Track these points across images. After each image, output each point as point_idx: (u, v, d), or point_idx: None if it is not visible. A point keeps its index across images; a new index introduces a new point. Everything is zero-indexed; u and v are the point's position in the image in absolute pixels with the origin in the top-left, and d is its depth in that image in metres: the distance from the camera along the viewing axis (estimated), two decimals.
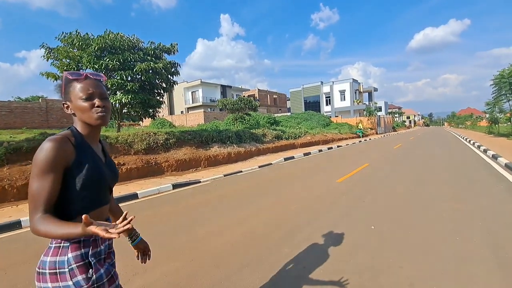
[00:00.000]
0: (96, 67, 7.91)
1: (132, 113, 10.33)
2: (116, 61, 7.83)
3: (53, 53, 8.11)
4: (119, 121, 9.94)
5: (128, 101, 8.33)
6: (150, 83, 9.03)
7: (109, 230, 0.78)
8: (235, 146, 11.66)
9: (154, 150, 8.98)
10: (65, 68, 8.14)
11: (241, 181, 7.39)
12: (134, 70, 8.12)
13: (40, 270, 0.96)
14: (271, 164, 10.34)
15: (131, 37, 8.75)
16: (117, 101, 8.32)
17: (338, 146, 17.01)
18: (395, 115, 62.36)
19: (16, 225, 4.37)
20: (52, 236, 0.88)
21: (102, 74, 1.11)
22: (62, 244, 0.97)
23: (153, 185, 6.76)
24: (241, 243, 3.22)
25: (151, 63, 8.35)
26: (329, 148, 15.79)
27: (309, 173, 8.10)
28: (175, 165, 8.85)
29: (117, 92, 8.48)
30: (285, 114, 34.99)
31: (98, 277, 0.99)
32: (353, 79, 40.71)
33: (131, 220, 0.81)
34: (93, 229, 0.77)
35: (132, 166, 7.74)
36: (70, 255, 0.96)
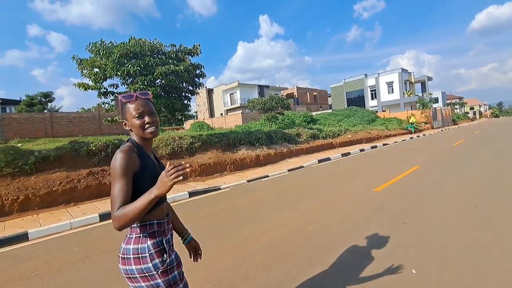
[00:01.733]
0: (119, 73, 7.95)
1: (162, 117, 10.34)
2: (136, 66, 7.75)
3: (82, 64, 8.37)
4: None
5: None
6: (173, 87, 8.84)
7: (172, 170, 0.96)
8: (264, 148, 10.97)
9: (178, 155, 8.77)
10: (93, 77, 8.35)
11: (261, 188, 6.67)
12: (155, 74, 7.97)
13: (125, 256, 1.17)
14: (302, 167, 9.40)
15: (153, 41, 8.66)
16: None
17: (384, 145, 15.15)
18: (455, 107, 55.04)
19: (23, 237, 4.32)
20: (129, 214, 1.01)
21: (149, 92, 1.26)
22: (141, 235, 1.17)
23: (170, 192, 6.43)
24: (226, 279, 2.52)
25: (172, 66, 8.11)
26: (372, 147, 14.11)
27: (342, 178, 7.01)
28: (199, 170, 8.50)
29: None
30: (325, 111, 33.12)
31: (171, 261, 1.20)
32: (402, 68, 36.73)
33: (186, 167, 0.97)
34: (163, 178, 0.97)
35: None
36: (149, 242, 1.16)
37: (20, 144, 10.00)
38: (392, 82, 36.80)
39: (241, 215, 4.49)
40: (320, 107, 45.27)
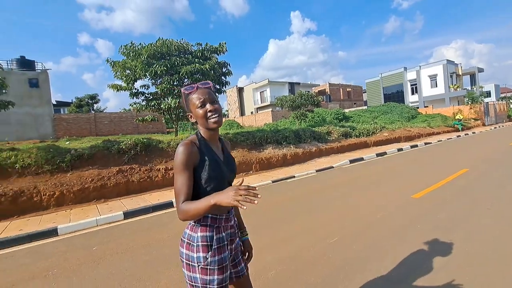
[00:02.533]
0: (147, 74, 8.14)
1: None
2: (163, 66, 7.86)
3: (115, 66, 8.72)
4: (176, 126, 10.16)
5: (176, 105, 8.28)
6: None
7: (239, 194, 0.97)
8: (292, 147, 10.58)
9: None
10: (124, 78, 8.65)
11: (286, 190, 6.34)
12: (181, 73, 8.01)
13: (183, 239, 1.23)
14: (332, 167, 8.85)
15: (180, 41, 8.74)
16: (166, 106, 8.40)
17: (425, 144, 13.83)
18: (511, 101, 48.89)
19: (53, 232, 4.52)
20: (190, 212, 1.06)
21: (209, 82, 1.26)
22: (195, 224, 1.21)
23: None
24: None
25: (197, 64, 8.10)
26: (412, 147, 12.94)
27: (375, 181, 6.40)
28: None
29: (168, 97, 8.57)
30: (360, 108, 31.42)
31: (211, 262, 1.16)
32: (447, 60, 33.42)
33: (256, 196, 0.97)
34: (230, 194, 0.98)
35: None
36: (198, 234, 1.18)
37: (68, 142, 10.84)
38: (436, 75, 33.73)
39: (258, 220, 4.23)
40: (354, 103, 43.16)
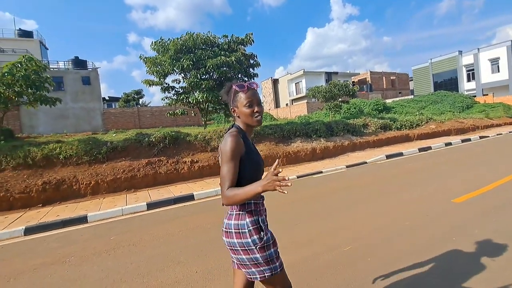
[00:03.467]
0: (175, 69, 8.30)
1: (218, 110, 10.55)
2: (189, 60, 7.93)
3: (147, 62, 9.06)
4: (205, 119, 10.31)
5: (204, 99, 8.34)
6: (226, 79, 8.79)
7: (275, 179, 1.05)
8: (322, 140, 10.05)
9: None
10: (155, 73, 8.95)
11: (309, 186, 6.01)
12: (207, 67, 8.02)
13: (228, 230, 1.30)
14: (365, 163, 8.21)
15: (206, 34, 8.73)
16: (194, 100, 8.51)
17: (481, 137, 12.13)
18: None
19: (84, 219, 4.86)
20: (238, 197, 1.14)
21: (256, 83, 1.37)
22: (240, 212, 1.29)
23: (215, 186, 6.40)
24: None
25: (223, 57, 8.02)
26: (464, 141, 11.44)
27: (412, 180, 5.73)
28: None
29: (196, 91, 8.67)
30: (406, 97, 28.82)
31: (267, 239, 1.28)
32: None
33: (287, 183, 1.04)
34: (269, 179, 1.06)
35: (204, 164, 7.73)
36: (247, 220, 1.27)
37: (115, 134, 11.75)
38: (498, 58, 29.32)
39: (271, 220, 4.02)
40: (400, 93, 39.80)
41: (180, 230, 3.88)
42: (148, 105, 42.32)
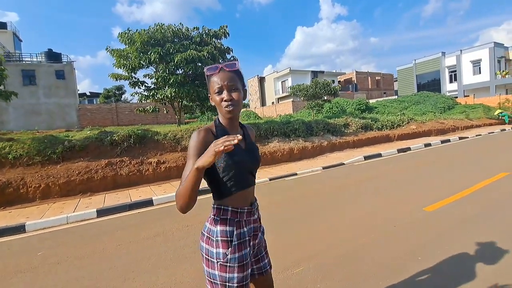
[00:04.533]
0: (142, 62, 7.71)
1: (194, 107, 10.03)
2: (156, 54, 7.37)
3: (113, 54, 8.41)
4: (179, 117, 9.76)
5: (173, 95, 7.80)
6: (197, 74, 8.27)
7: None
8: (300, 140, 9.71)
9: None
10: (122, 67, 8.32)
11: (279, 191, 5.62)
12: (175, 61, 7.47)
13: (202, 231, 1.17)
14: (343, 164, 7.90)
15: (177, 26, 8.17)
16: (163, 96, 7.95)
17: (460, 138, 12.12)
18: None
19: (21, 229, 4.27)
20: (181, 189, 0.95)
21: (236, 63, 1.12)
22: (214, 217, 1.13)
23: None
24: None
25: (193, 51, 7.50)
26: (444, 142, 11.38)
27: (385, 184, 5.44)
28: None
29: (165, 87, 8.11)
30: (389, 98, 29.05)
31: (231, 259, 1.08)
32: (494, 42, 29.46)
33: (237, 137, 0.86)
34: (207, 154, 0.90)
35: (172, 164, 7.21)
36: (218, 228, 1.10)
37: (90, 131, 11.00)
38: (480, 60, 30.02)
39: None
40: (384, 93, 40.24)
41: (119, 244, 3.38)
42: (131, 102, 41.09)
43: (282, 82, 37.46)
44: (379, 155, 8.92)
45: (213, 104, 1.15)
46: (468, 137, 12.38)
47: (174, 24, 8.16)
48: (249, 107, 41.52)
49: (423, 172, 6.28)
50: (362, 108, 16.58)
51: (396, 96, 29.95)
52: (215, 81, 1.08)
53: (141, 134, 7.63)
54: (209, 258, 1.10)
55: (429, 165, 7.10)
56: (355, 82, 38.74)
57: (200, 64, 8.13)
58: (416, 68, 35.73)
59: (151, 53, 7.53)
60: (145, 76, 9.24)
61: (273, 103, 37.25)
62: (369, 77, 40.42)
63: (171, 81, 7.56)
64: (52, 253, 3.29)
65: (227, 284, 1.07)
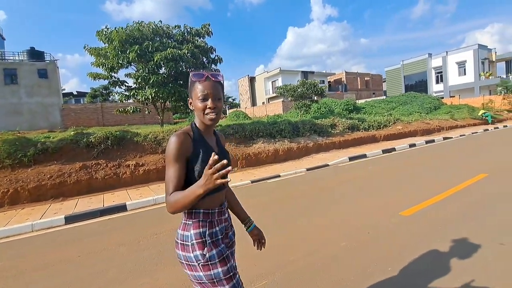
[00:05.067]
0: (120, 61, 7.44)
1: (177, 108, 9.79)
2: (134, 52, 7.11)
3: (91, 53, 8.11)
4: (162, 117, 9.50)
5: (153, 96, 7.56)
6: (178, 73, 8.04)
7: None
8: (286, 141, 9.60)
9: None
10: (101, 66, 8.03)
11: (260, 193, 5.48)
12: (155, 60, 7.24)
13: (176, 240, 1.16)
14: (327, 165, 7.83)
15: (157, 24, 7.93)
16: (143, 97, 7.70)
17: (444, 139, 12.26)
18: None
19: None
20: (180, 202, 0.99)
21: (221, 74, 1.17)
22: (187, 222, 1.14)
23: (159, 192, 5.69)
24: None
25: (173, 49, 7.27)
26: (428, 142, 11.47)
27: (365, 186, 5.36)
28: None
29: (145, 87, 7.86)
30: (378, 98, 29.36)
31: (211, 256, 1.10)
32: (479, 44, 30.14)
33: (228, 170, 0.90)
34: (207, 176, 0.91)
35: (151, 167, 6.97)
36: (192, 231, 1.12)
37: (73, 132, 10.60)
38: (465, 61, 30.67)
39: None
40: (373, 93, 40.69)
41: (85, 252, 3.17)
42: (118, 102, 40.30)
43: (272, 82, 37.39)
44: (364, 155, 8.89)
45: (191, 108, 1.16)
46: (452, 137, 12.53)
47: (154, 22, 7.91)
48: (239, 107, 41.31)
49: (404, 173, 6.25)
50: (350, 108, 16.63)
51: (385, 97, 30.30)
52: (200, 89, 1.10)
53: (119, 135, 7.36)
54: (190, 263, 1.11)
55: (411, 166, 7.09)
56: (345, 82, 39.03)
57: (182, 63, 7.91)
58: (404, 69, 36.25)
59: (129, 52, 7.26)
60: (126, 75, 8.96)
61: (263, 103, 37.14)
62: (358, 78, 40.79)
63: (151, 81, 7.31)
64: (11, 265, 3.06)
65: (215, 280, 1.09)
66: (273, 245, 2.98)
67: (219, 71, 9.77)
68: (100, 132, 7.23)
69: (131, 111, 8.77)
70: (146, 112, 9.55)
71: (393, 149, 9.85)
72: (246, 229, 1.47)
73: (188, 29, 8.13)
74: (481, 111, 19.75)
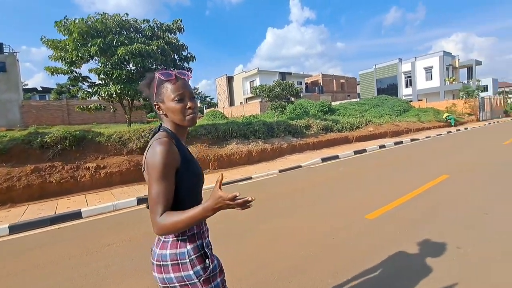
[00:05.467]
0: (80, 55, 6.90)
1: (147, 105, 9.30)
2: (96, 46, 6.62)
3: (49, 45, 7.46)
4: (129, 116, 8.97)
5: (119, 92, 7.09)
6: (146, 70, 7.62)
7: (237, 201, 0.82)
8: (260, 142, 9.48)
9: None
10: (59, 60, 7.41)
11: None
12: (119, 55, 6.78)
13: (162, 263, 0.99)
14: (300, 167, 7.80)
15: (123, 17, 7.45)
16: (107, 94, 7.20)
17: (412, 140, 12.80)
18: (509, 96, 47.99)
19: None
20: (180, 225, 0.89)
21: (188, 73, 1.07)
22: (179, 238, 1.01)
23: (121, 197, 5.30)
24: None
25: (140, 44, 6.86)
26: (397, 143, 11.91)
27: (334, 188, 5.36)
28: None
29: (110, 83, 7.36)
30: (352, 100, 30.25)
31: (214, 267, 1.04)
32: (444, 51, 32.09)
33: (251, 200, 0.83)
34: (223, 199, 0.81)
35: (114, 170, 6.52)
36: (189, 247, 1.00)
37: (34, 131, 9.66)
38: (431, 67, 32.49)
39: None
40: (348, 95, 41.92)
41: (23, 267, 2.79)
42: (87, 99, 38.13)
43: (250, 82, 37.29)
44: (337, 157, 8.99)
45: (159, 112, 1.04)
46: (419, 139, 13.11)
47: (119, 14, 7.43)
48: (217, 107, 40.78)
49: (373, 175, 6.35)
50: (325, 109, 16.90)
51: (359, 99, 31.30)
52: (174, 89, 1.01)
53: (79, 135, 6.82)
54: (188, 283, 0.99)
55: (380, 167, 7.25)
56: (321, 84, 39.84)
57: (150, 59, 7.51)
58: (376, 73, 37.71)
59: (91, 45, 6.75)
60: (90, 71, 8.36)
61: (241, 103, 36.92)
62: (334, 80, 41.82)
63: (114, 76, 6.85)
64: None
65: None
66: (230, 259, 2.79)
67: (191, 70, 9.47)
68: (57, 131, 6.65)
69: (93, 109, 8.19)
70: (112, 110, 8.97)
71: (364, 150, 10.08)
72: None
73: (158, 24, 7.73)
74: (445, 114, 20.97)
